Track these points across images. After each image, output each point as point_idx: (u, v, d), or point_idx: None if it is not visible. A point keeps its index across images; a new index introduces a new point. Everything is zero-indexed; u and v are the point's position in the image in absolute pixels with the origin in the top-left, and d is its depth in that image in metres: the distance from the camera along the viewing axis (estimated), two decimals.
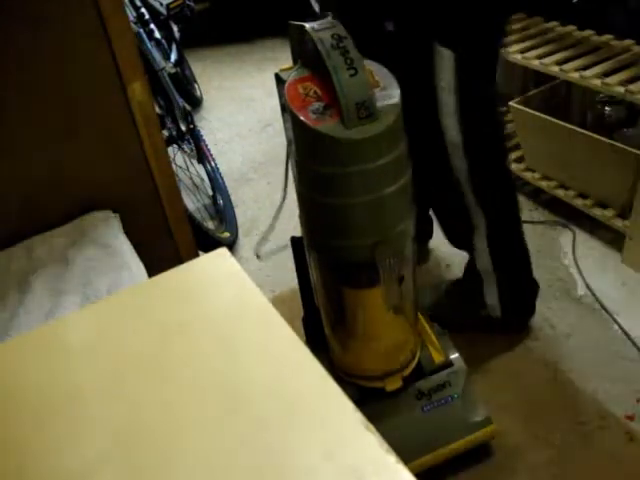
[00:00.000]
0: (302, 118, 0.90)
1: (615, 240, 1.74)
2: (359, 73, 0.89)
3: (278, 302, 1.65)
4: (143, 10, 2.12)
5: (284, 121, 1.08)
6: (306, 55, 0.96)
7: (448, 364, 1.25)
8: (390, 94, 0.93)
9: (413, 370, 1.23)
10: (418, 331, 1.28)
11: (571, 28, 1.83)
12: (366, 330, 1.17)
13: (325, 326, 1.21)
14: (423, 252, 1.77)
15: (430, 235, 1.78)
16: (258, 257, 1.52)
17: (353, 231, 0.98)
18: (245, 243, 1.99)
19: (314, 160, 0.94)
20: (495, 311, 1.43)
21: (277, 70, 1.09)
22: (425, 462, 1.18)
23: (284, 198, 1.27)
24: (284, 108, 1.02)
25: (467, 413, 1.22)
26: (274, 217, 1.34)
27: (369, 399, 1.19)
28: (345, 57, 0.89)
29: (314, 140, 0.91)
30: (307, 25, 0.94)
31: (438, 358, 1.27)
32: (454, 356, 1.27)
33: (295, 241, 1.27)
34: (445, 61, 1.12)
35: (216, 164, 2.19)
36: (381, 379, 1.20)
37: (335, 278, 1.11)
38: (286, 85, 0.96)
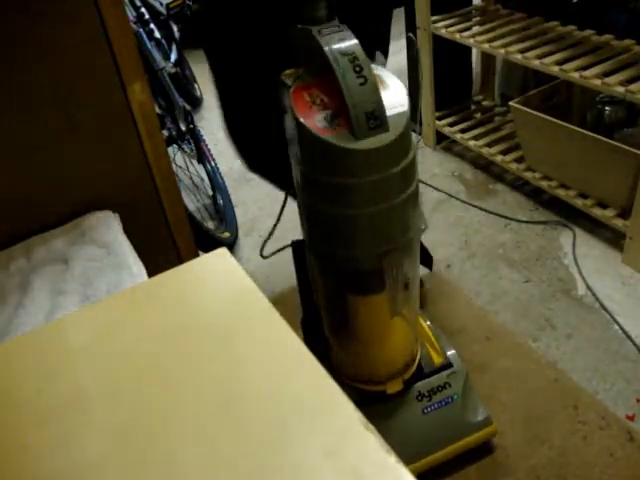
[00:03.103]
0: (309, 127, 0.86)
1: (615, 240, 1.74)
2: (369, 81, 0.85)
3: (278, 302, 1.65)
4: (143, 10, 2.12)
5: (285, 122, 1.06)
6: (312, 60, 0.92)
7: (448, 365, 1.25)
8: (398, 100, 0.89)
9: (413, 372, 1.23)
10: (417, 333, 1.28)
11: (571, 28, 1.84)
12: (369, 335, 1.16)
13: (327, 330, 1.20)
14: None
15: None
16: (263, 257, 1.53)
17: (362, 241, 0.95)
18: (245, 243, 1.99)
19: (322, 171, 0.91)
20: None
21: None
22: (427, 463, 1.18)
23: (286, 196, 1.27)
24: (285, 110, 0.99)
25: (467, 413, 1.22)
26: (278, 216, 1.34)
27: (370, 402, 1.19)
28: (354, 64, 0.84)
29: (322, 150, 0.87)
30: (313, 29, 0.89)
31: (438, 359, 1.27)
32: (453, 357, 1.27)
33: (296, 245, 1.26)
34: None
35: (216, 164, 2.18)
36: (382, 382, 1.20)
37: (340, 285, 1.09)
38: (291, 92, 0.92)
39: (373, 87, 0.85)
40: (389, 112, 0.87)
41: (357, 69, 0.85)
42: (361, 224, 0.93)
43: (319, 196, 0.95)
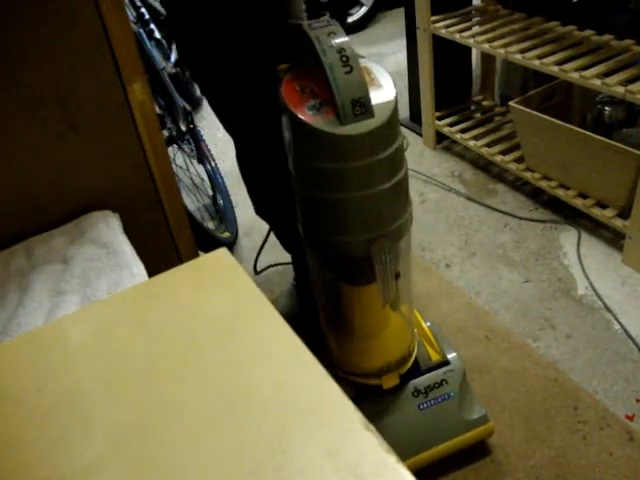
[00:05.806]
0: (298, 115, 0.91)
1: (615, 240, 1.74)
2: (355, 70, 0.89)
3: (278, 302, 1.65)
4: (143, 10, 2.12)
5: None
6: (303, 53, 0.97)
7: (445, 362, 1.26)
8: (385, 92, 0.94)
9: (410, 368, 1.24)
10: (415, 329, 1.28)
11: (571, 28, 1.84)
12: (363, 327, 1.17)
13: (323, 324, 1.21)
14: None
15: None
16: (256, 272, 1.57)
17: (350, 227, 0.99)
18: (245, 243, 1.99)
19: (310, 156, 0.95)
20: None
21: None
22: (422, 460, 1.18)
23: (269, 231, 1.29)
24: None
25: (464, 411, 1.22)
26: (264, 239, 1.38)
27: (366, 397, 1.20)
28: (341, 55, 0.90)
29: (310, 136, 0.92)
30: (304, 23, 0.94)
31: (435, 356, 1.27)
32: (451, 355, 1.27)
33: (293, 239, 1.27)
34: None
35: (216, 164, 2.18)
36: (378, 377, 1.21)
37: (332, 275, 1.11)
38: (283, 83, 0.97)
39: (359, 76, 0.90)
40: (375, 101, 0.91)
41: (344, 59, 0.90)
42: (348, 210, 0.96)
43: (309, 182, 0.99)
